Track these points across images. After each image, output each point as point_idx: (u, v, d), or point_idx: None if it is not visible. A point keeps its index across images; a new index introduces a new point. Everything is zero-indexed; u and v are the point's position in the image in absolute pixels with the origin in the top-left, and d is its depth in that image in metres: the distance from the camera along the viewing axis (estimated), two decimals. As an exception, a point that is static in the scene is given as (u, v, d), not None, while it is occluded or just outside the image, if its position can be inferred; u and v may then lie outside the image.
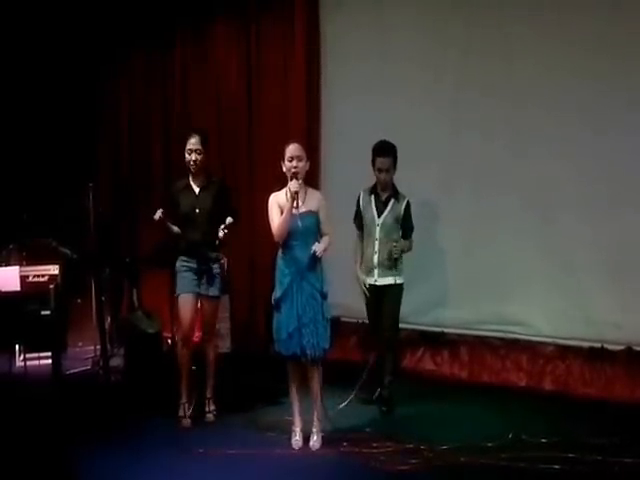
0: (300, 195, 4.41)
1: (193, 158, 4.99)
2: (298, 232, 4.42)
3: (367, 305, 5.32)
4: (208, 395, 5.10)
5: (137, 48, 7.82)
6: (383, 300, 5.18)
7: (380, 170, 5.17)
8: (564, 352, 5.60)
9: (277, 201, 4.48)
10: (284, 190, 4.45)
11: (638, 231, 5.24)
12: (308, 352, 4.37)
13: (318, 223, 4.50)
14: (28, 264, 6.43)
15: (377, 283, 5.17)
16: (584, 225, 5.45)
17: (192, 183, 5.09)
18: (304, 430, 4.55)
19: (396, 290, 5.18)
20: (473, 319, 5.95)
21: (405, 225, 5.23)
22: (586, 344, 5.48)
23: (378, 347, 5.32)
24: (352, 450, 4.41)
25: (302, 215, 4.42)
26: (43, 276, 6.37)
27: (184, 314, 5.02)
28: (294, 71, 6.82)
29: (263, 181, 6.88)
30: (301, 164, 4.44)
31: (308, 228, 4.44)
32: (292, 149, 4.44)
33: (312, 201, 4.50)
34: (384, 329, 5.20)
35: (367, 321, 5.50)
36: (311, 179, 6.63)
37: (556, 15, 5.47)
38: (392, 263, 5.13)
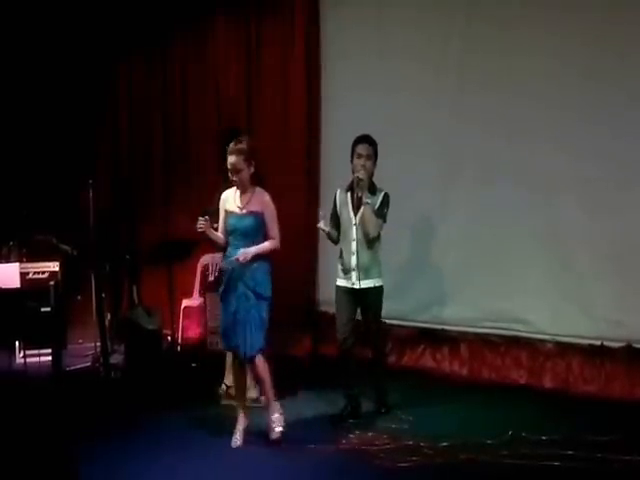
0: (245, 196, 4.49)
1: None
2: (237, 232, 4.47)
3: (338, 304, 4.93)
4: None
5: (137, 48, 7.80)
6: (364, 304, 4.92)
7: (360, 155, 4.76)
8: (564, 349, 5.60)
9: (224, 203, 4.58)
10: (232, 190, 4.56)
11: (638, 228, 5.24)
12: (240, 350, 4.44)
13: (260, 225, 4.47)
14: (28, 261, 6.44)
15: (355, 287, 4.80)
16: (584, 223, 5.45)
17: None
18: (247, 430, 4.51)
19: (377, 293, 4.89)
20: (473, 316, 5.94)
21: (377, 212, 4.77)
22: (586, 341, 5.48)
23: (347, 349, 4.92)
24: (351, 447, 4.42)
25: (243, 215, 4.47)
26: (43, 273, 6.39)
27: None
28: (294, 69, 6.80)
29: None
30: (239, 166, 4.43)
31: (247, 229, 4.45)
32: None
33: (256, 202, 4.48)
34: (371, 333, 5.02)
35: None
36: (311, 178, 6.71)
37: (556, 13, 5.47)
38: (371, 262, 4.81)
